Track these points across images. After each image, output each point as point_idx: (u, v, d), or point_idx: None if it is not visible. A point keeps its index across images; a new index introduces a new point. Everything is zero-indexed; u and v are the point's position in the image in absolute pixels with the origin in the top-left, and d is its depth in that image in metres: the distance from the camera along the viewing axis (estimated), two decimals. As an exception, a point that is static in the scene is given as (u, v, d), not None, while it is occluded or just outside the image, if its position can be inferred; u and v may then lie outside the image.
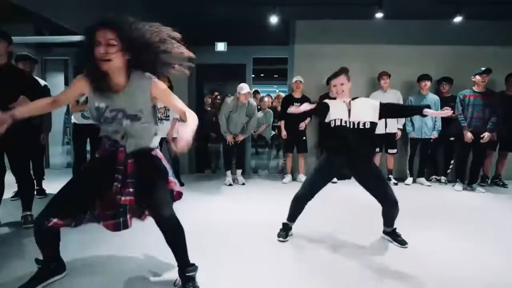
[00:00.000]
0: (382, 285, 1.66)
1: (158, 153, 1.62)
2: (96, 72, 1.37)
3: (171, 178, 1.59)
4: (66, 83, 5.92)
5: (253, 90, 5.63)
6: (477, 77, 3.77)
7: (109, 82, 1.41)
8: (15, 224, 2.45)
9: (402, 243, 2.18)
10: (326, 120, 2.16)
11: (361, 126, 2.09)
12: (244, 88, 3.90)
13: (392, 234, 2.25)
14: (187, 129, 1.29)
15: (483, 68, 3.73)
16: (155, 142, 1.60)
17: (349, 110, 2.12)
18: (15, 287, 1.49)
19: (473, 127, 3.78)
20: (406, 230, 2.26)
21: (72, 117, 3.42)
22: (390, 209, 2.15)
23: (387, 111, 2.17)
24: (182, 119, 1.44)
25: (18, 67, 2.61)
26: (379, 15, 3.98)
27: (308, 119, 4.25)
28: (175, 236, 1.48)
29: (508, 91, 4.06)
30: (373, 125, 2.12)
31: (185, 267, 1.53)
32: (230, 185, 4.01)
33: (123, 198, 1.46)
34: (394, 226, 2.25)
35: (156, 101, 1.52)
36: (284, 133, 4.25)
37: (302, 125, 4.20)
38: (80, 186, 1.51)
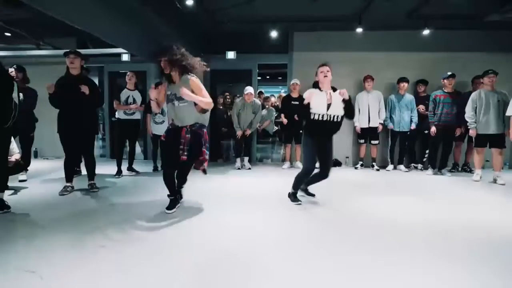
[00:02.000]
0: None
1: (202, 130, 2.61)
2: (165, 75, 2.61)
3: (204, 149, 2.64)
4: (101, 86, 6.91)
5: (258, 91, 6.50)
6: (445, 80, 4.54)
7: (170, 79, 2.60)
8: (83, 189, 3.40)
9: (311, 195, 3.15)
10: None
11: (335, 120, 2.77)
12: (247, 89, 4.83)
13: (306, 191, 3.17)
14: (193, 95, 2.47)
15: (449, 73, 4.49)
16: (194, 119, 2.57)
17: (329, 105, 2.73)
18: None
19: (443, 122, 4.54)
20: (382, 197, 3.10)
21: (116, 113, 4.39)
22: (319, 177, 2.96)
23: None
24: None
25: (87, 76, 3.57)
26: (358, 29, 4.82)
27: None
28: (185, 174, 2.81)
29: (474, 91, 4.77)
30: (343, 118, 2.83)
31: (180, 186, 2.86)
32: (239, 169, 4.91)
33: (182, 157, 2.54)
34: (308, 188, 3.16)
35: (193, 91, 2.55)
36: (284, 120, 5.07)
37: (297, 117, 5.05)
38: (168, 150, 2.63)
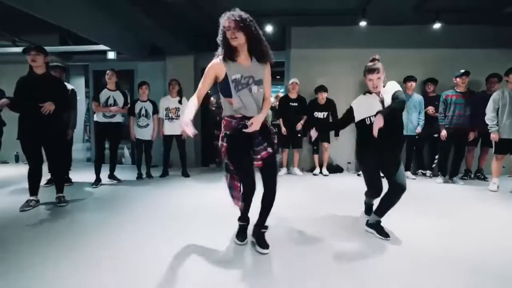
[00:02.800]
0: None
1: (270, 127, 2.02)
2: (232, 51, 1.83)
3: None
4: (87, 85, 6.54)
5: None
6: (457, 79, 4.10)
7: (238, 55, 1.86)
8: (50, 203, 3.00)
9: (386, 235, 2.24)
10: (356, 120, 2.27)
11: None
12: None
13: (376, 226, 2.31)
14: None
15: (462, 71, 4.06)
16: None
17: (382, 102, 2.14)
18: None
19: (454, 124, 4.11)
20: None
21: (95, 116, 3.99)
22: (394, 195, 2.18)
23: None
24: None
25: (55, 76, 3.16)
26: (362, 23, 4.38)
27: (305, 117, 4.69)
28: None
29: (488, 91, 4.35)
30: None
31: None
32: None
33: (266, 151, 1.92)
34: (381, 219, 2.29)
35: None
36: (284, 129, 4.67)
37: (298, 126, 4.64)
38: (242, 158, 1.93)
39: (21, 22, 4.44)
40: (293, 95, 4.72)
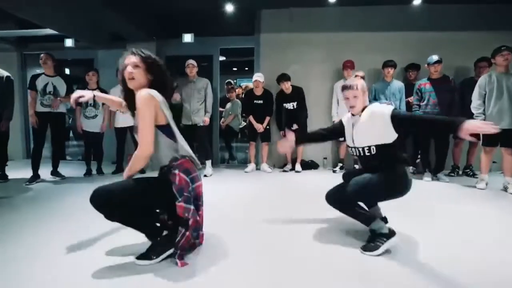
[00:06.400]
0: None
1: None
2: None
3: None
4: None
5: (226, 81, 5.64)
6: (430, 67, 3.68)
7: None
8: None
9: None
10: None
11: (366, 153, 1.76)
12: (188, 61, 3.99)
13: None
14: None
15: (434, 58, 3.63)
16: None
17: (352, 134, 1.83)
18: None
19: (429, 114, 3.65)
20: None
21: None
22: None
23: (404, 125, 1.73)
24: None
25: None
26: (332, 0, 3.91)
27: (268, 118, 4.25)
28: None
29: (477, 77, 3.86)
30: (384, 147, 1.71)
31: None
32: (205, 176, 3.90)
33: None
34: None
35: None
36: (258, 126, 4.22)
37: (260, 128, 4.22)
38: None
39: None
40: (258, 92, 4.26)
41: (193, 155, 1.63)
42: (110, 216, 1.47)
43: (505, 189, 3.20)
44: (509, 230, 2.09)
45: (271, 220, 2.25)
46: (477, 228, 2.13)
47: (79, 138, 5.67)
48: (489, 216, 2.42)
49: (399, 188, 1.77)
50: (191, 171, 1.57)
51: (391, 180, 1.73)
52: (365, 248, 1.70)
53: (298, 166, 4.32)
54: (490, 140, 3.26)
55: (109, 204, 1.43)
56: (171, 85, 1.71)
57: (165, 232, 1.65)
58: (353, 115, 1.87)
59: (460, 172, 4.15)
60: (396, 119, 1.68)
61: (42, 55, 3.56)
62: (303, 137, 2.27)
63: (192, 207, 1.52)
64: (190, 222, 1.51)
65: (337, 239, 1.89)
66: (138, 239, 1.72)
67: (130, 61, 1.54)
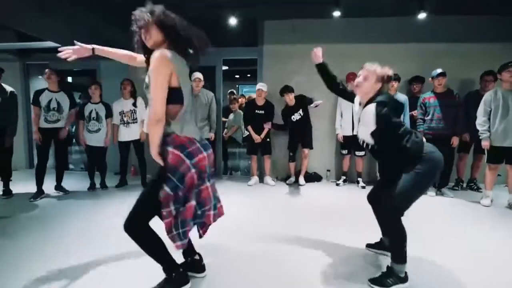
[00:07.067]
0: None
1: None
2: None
3: None
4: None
5: (229, 91, 5.63)
6: (433, 80, 3.64)
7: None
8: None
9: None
10: None
11: (368, 145, 1.81)
12: (194, 74, 3.98)
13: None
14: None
15: (438, 71, 3.59)
16: None
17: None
18: None
19: (434, 129, 3.63)
20: (366, 234, 2.24)
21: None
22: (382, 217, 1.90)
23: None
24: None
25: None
26: (336, 13, 3.88)
27: (269, 123, 4.23)
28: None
29: (482, 91, 3.83)
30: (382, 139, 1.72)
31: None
32: None
33: None
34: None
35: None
36: (256, 137, 4.22)
37: (257, 139, 4.21)
38: None
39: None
40: (259, 102, 4.25)
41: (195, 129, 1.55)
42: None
43: (510, 206, 3.19)
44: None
45: (273, 247, 2.25)
46: (481, 252, 2.12)
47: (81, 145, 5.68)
48: (494, 237, 2.41)
49: (427, 170, 1.71)
50: (187, 146, 1.43)
51: (417, 172, 1.69)
52: (374, 282, 1.69)
53: (301, 179, 4.30)
54: (495, 157, 3.24)
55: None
56: (196, 36, 1.56)
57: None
58: (359, 104, 1.85)
59: (464, 185, 4.13)
60: (380, 115, 1.63)
61: (46, 70, 3.56)
62: (326, 65, 2.18)
63: (173, 208, 1.41)
64: (164, 222, 1.43)
65: (343, 270, 1.88)
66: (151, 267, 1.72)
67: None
